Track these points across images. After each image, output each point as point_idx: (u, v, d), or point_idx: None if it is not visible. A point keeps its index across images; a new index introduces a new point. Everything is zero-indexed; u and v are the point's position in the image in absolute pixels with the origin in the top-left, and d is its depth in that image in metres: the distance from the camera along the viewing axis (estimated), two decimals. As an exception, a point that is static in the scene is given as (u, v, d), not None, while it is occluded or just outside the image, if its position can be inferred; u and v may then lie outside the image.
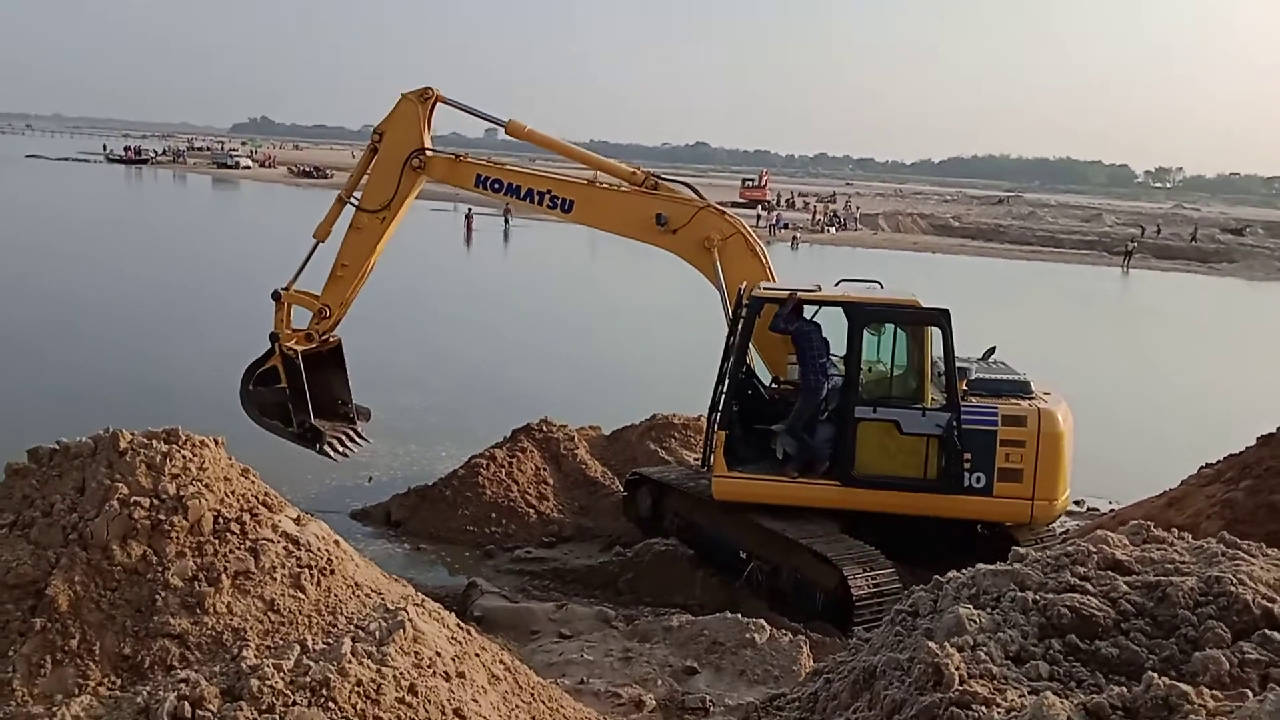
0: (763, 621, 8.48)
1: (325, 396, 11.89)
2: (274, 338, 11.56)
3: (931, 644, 3.34)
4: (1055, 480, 9.21)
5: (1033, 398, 9.54)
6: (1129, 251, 56.29)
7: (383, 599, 6.42)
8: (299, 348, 11.49)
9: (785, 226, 60.60)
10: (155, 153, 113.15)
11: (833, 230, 65.44)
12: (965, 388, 9.43)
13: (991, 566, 4.15)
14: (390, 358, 19.93)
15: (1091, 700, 2.95)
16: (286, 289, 11.68)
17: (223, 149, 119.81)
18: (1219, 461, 12.41)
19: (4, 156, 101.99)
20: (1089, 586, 3.72)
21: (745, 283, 10.26)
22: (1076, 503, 14.62)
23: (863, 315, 9.41)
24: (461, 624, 7.13)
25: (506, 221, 50.91)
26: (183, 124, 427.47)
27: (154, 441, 6.30)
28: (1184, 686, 2.92)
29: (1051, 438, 9.16)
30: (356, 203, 11.52)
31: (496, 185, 11.36)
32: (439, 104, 11.58)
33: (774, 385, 10.68)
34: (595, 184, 11.23)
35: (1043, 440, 9.12)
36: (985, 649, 3.35)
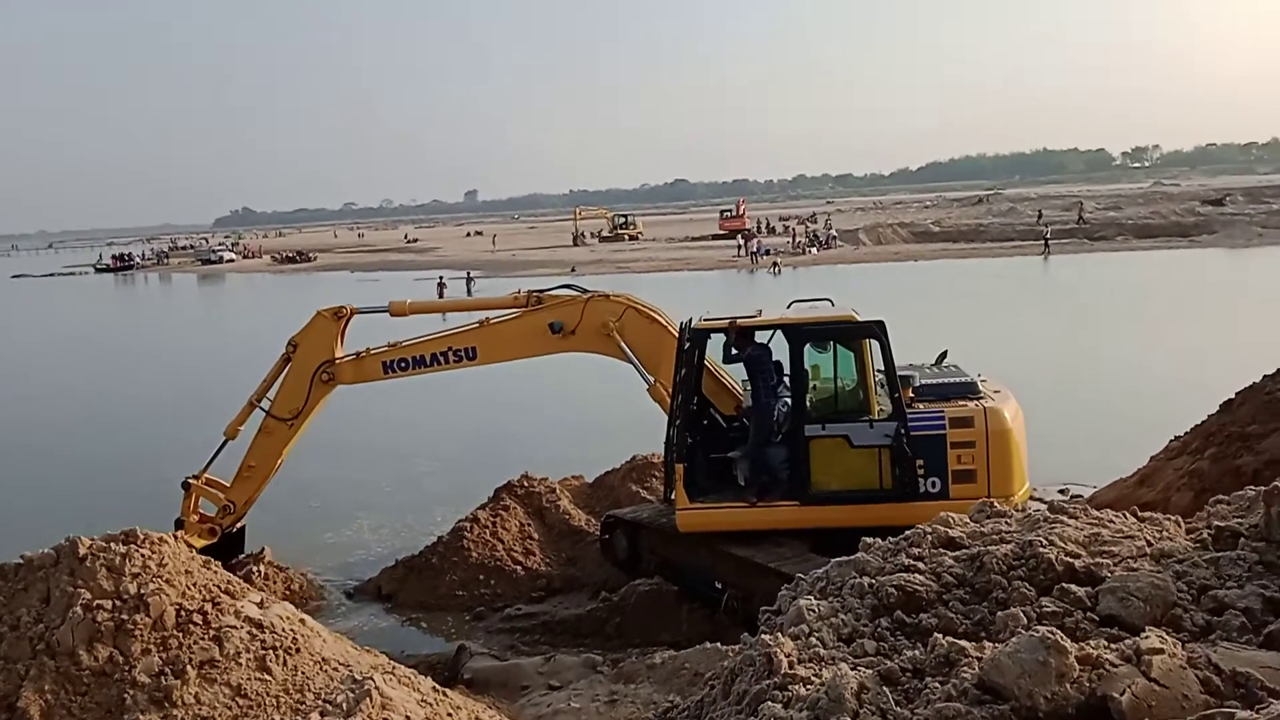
0: (741, 648, 8.65)
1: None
2: (178, 524, 12.07)
3: (766, 636, 3.61)
4: (1008, 476, 9.36)
5: (980, 398, 9.71)
6: (1045, 239, 57.78)
7: (350, 671, 6.62)
8: (199, 543, 11.83)
9: (766, 253, 61.02)
10: (141, 257, 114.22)
11: (814, 251, 65.88)
12: (912, 395, 9.64)
13: (841, 558, 4.42)
14: (393, 427, 20.62)
15: (885, 665, 3.20)
16: (197, 478, 12.21)
17: (206, 245, 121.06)
18: (1186, 433, 12.62)
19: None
20: (920, 565, 4.00)
21: (690, 318, 10.56)
22: (1060, 490, 14.81)
23: (800, 335, 9.65)
24: (438, 687, 7.32)
25: (469, 288, 51.60)
26: (165, 225, 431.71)
27: (113, 544, 6.56)
28: (962, 643, 3.18)
29: (1000, 435, 9.31)
30: (267, 408, 11.97)
31: (403, 364, 11.77)
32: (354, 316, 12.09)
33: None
34: (487, 323, 11.62)
35: (991, 438, 9.28)
36: (818, 634, 3.61)
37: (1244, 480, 10.51)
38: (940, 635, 3.32)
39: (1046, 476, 14.39)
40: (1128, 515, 4.58)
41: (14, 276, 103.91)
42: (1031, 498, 11.63)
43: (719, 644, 8.87)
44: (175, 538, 6.97)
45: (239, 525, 12.57)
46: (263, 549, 12.73)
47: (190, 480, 12.24)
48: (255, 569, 12.12)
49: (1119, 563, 3.72)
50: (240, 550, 12.66)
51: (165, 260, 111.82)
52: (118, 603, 6.22)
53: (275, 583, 12.26)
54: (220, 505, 12.27)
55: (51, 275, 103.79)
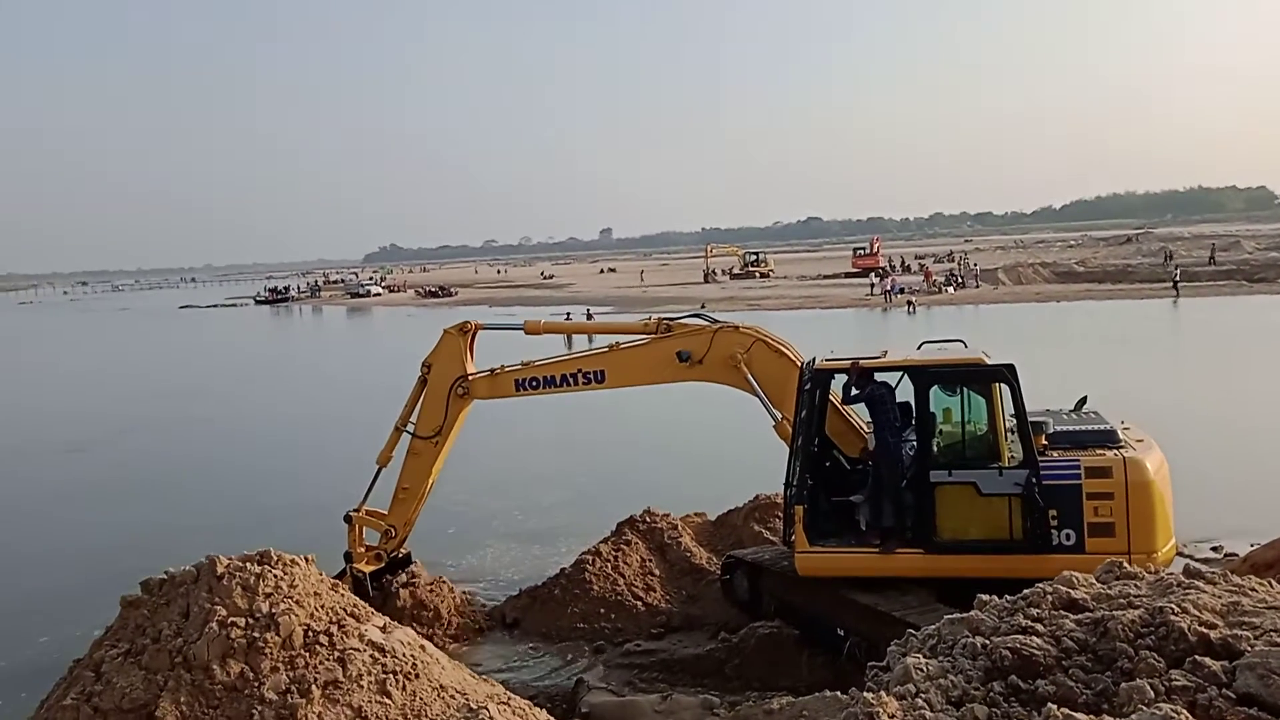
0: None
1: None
2: (348, 557, 12.65)
3: (868, 695, 3.45)
4: (1151, 531, 8.82)
5: (1120, 446, 9.20)
6: (1175, 282, 55.61)
7: (467, 700, 6.72)
8: (368, 569, 12.53)
9: (900, 291, 59.81)
10: (296, 290, 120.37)
11: (950, 290, 64.21)
12: (1045, 442, 9.23)
13: (954, 615, 4.20)
14: (527, 456, 21.48)
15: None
16: (357, 510, 12.77)
17: (356, 279, 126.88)
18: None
19: (161, 309, 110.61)
20: (1039, 627, 3.75)
21: (813, 358, 10.41)
22: (1213, 548, 13.88)
23: (925, 377, 9.39)
24: (551, 720, 7.35)
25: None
26: (320, 260, 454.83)
27: (248, 564, 6.86)
28: (1079, 716, 2.95)
29: (1141, 487, 8.78)
30: (412, 431, 12.44)
31: (534, 383, 12.06)
32: (479, 331, 12.55)
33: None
34: (616, 347, 11.77)
35: (1132, 490, 8.76)
36: (926, 695, 3.42)
37: None
38: (1055, 706, 3.12)
39: (1197, 533, 13.53)
40: (1273, 583, 4.23)
41: (181, 307, 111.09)
42: (1179, 554, 10.95)
43: (839, 693, 8.63)
44: (306, 560, 7.22)
45: (403, 550, 13.02)
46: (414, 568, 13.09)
47: (351, 514, 12.79)
48: (418, 585, 12.57)
49: (1260, 636, 3.40)
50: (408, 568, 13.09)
51: (318, 293, 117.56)
52: (250, 620, 6.48)
53: (443, 596, 12.69)
54: (382, 531, 12.76)
55: (215, 306, 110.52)
